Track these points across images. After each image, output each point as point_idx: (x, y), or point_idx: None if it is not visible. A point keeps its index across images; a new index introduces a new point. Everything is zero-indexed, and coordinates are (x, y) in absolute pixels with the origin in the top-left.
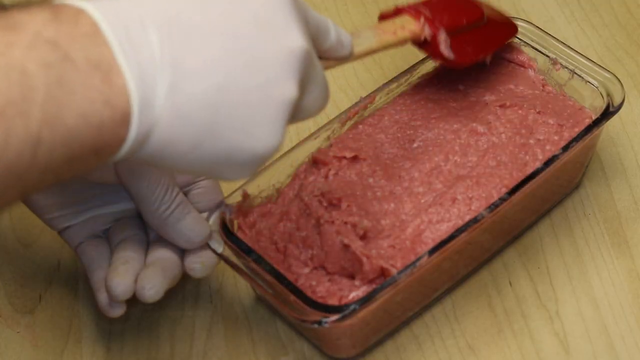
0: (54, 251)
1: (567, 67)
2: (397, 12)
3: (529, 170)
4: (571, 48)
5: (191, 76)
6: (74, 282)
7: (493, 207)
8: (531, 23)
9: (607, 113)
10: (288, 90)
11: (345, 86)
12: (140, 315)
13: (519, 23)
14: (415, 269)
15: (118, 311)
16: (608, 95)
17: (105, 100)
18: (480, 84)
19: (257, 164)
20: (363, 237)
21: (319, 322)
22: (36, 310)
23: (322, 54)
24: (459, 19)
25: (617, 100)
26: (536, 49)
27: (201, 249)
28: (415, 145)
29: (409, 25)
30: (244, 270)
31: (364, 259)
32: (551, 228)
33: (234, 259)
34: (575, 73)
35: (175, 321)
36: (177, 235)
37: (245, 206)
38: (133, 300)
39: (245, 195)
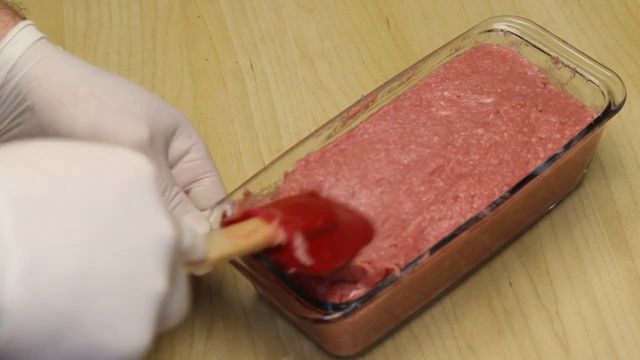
0: None
1: (568, 66)
2: (247, 215)
3: (531, 168)
4: (572, 47)
5: (51, 257)
6: None
7: (495, 205)
8: (532, 21)
9: (609, 112)
10: (157, 283)
11: (345, 86)
12: None
13: (520, 21)
14: (417, 267)
15: None
16: (609, 93)
17: None
18: (480, 85)
19: None
20: None
21: (321, 320)
22: None
23: (179, 256)
24: (314, 220)
25: (618, 99)
26: (537, 48)
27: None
28: (412, 147)
29: (261, 229)
30: (246, 268)
31: (367, 266)
32: (551, 228)
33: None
34: (577, 72)
35: None
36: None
37: (247, 204)
38: None
39: (247, 194)
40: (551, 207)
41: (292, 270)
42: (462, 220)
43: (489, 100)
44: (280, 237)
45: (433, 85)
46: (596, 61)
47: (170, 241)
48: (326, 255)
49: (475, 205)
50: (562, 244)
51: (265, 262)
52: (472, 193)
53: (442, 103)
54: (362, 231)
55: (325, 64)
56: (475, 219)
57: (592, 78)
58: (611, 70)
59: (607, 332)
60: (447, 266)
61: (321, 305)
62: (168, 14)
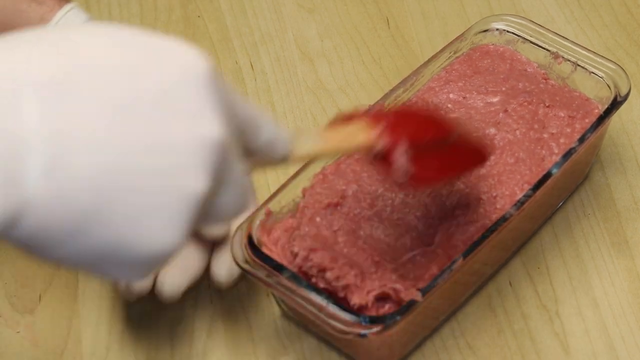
0: None
1: (569, 60)
2: (354, 116)
3: (547, 164)
4: (571, 41)
5: (76, 151)
6: (74, 282)
7: (520, 204)
8: (528, 19)
9: (617, 102)
10: (196, 181)
11: (345, 86)
12: (140, 315)
13: (515, 20)
14: (451, 273)
15: (134, 297)
16: (614, 84)
17: None
18: (484, 85)
19: (150, 266)
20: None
21: (363, 334)
22: (36, 310)
23: (255, 151)
24: (423, 132)
25: (623, 90)
26: (535, 44)
27: (228, 255)
28: None
29: (361, 133)
30: (278, 287)
31: (402, 294)
32: (551, 228)
33: (262, 275)
34: (578, 65)
35: (175, 321)
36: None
37: (269, 224)
38: (133, 302)
39: (269, 213)
40: (560, 203)
41: (390, 180)
42: (488, 223)
43: (495, 100)
44: (382, 143)
45: (437, 89)
46: (597, 54)
47: (213, 142)
48: (429, 168)
49: (498, 206)
50: (562, 243)
51: (298, 281)
52: (494, 194)
53: (449, 105)
54: (476, 154)
55: (326, 64)
56: (502, 219)
57: (594, 70)
58: (613, 62)
59: (607, 332)
60: (475, 269)
61: (365, 319)
62: (168, 13)
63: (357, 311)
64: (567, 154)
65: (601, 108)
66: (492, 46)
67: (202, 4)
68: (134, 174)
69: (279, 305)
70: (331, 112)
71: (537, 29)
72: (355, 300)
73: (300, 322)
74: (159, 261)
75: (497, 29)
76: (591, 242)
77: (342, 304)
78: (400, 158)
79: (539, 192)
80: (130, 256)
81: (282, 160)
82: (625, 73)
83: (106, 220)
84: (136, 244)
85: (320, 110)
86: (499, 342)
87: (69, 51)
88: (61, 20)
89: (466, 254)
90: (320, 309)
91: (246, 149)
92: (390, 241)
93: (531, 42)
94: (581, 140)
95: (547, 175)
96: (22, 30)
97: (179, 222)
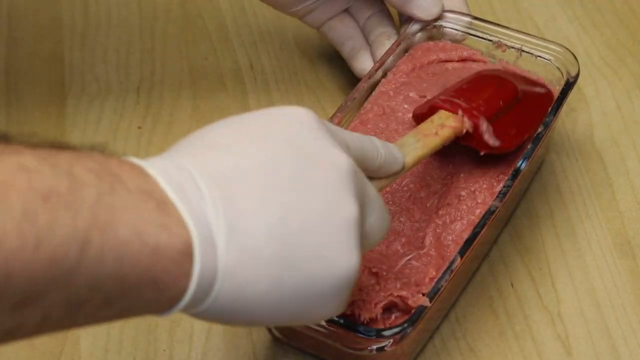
0: None
1: (513, 47)
2: (432, 108)
3: (518, 150)
4: (512, 28)
5: (247, 214)
6: None
7: (502, 195)
8: (462, 13)
9: (571, 82)
10: (347, 207)
11: (345, 86)
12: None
13: (453, 15)
14: (452, 273)
15: None
16: (564, 65)
17: (161, 224)
18: (438, 83)
19: (344, 289)
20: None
21: (380, 348)
22: None
23: (374, 173)
24: (495, 101)
25: (573, 70)
26: (476, 36)
27: None
28: None
29: (448, 122)
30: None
31: (409, 301)
32: (553, 229)
33: None
34: (523, 50)
35: (174, 323)
36: (414, 8)
37: None
38: None
39: None
40: (528, 184)
41: (483, 152)
42: (473, 218)
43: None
44: (467, 125)
45: (391, 93)
46: (541, 37)
47: (346, 167)
48: (512, 132)
49: (479, 200)
50: (564, 244)
51: None
52: (472, 189)
53: (405, 106)
54: (542, 97)
55: (326, 63)
56: (489, 213)
57: (540, 54)
58: (558, 43)
59: (609, 334)
60: (467, 266)
61: (379, 332)
62: (167, 12)
63: (368, 325)
64: (536, 139)
65: (552, 89)
66: (432, 43)
67: (201, 2)
68: (301, 219)
69: (270, 331)
70: (331, 111)
71: (475, 21)
72: (365, 315)
73: (297, 345)
74: (348, 283)
75: (435, 26)
76: (593, 243)
77: (350, 320)
78: (486, 134)
79: (517, 181)
80: (325, 287)
81: (399, 173)
82: (572, 53)
83: (294, 263)
84: (325, 275)
85: (320, 110)
86: (500, 344)
87: (219, 147)
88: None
89: (462, 252)
90: (330, 330)
91: (367, 173)
92: (381, 250)
93: (470, 34)
94: (546, 125)
95: (522, 164)
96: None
97: (350, 246)
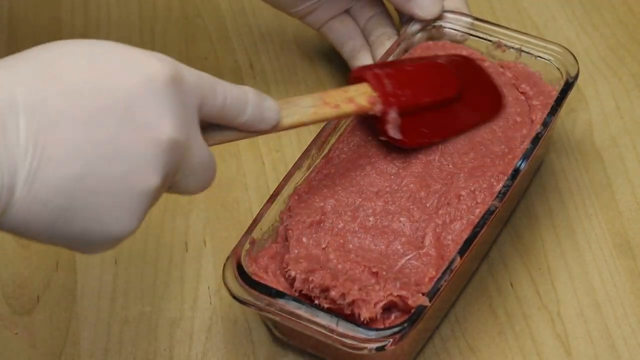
0: (52, 252)
1: (512, 47)
2: (362, 76)
3: (517, 150)
4: (512, 29)
5: (51, 164)
6: (72, 283)
7: (502, 195)
8: (462, 13)
9: (570, 82)
10: (149, 180)
11: (345, 85)
12: (138, 317)
13: (453, 16)
14: (452, 273)
15: None
16: (563, 65)
17: None
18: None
19: (113, 244)
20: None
21: (380, 347)
22: (34, 311)
23: (238, 126)
24: (421, 97)
25: (572, 70)
26: (476, 36)
27: None
28: (394, 154)
29: (359, 99)
30: (281, 314)
31: (409, 301)
32: (552, 229)
33: (263, 305)
34: (523, 50)
35: (174, 323)
36: (415, 7)
37: (254, 253)
38: (132, 302)
39: (253, 242)
40: (529, 183)
41: (382, 139)
42: (473, 218)
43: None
44: (377, 109)
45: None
46: (540, 38)
47: (168, 143)
48: (421, 131)
49: (479, 200)
50: (563, 244)
51: (305, 306)
52: (472, 188)
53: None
54: (485, 108)
55: (326, 62)
56: (489, 213)
57: (540, 54)
58: (557, 44)
59: (609, 333)
60: (467, 266)
61: (379, 331)
62: (167, 12)
63: (368, 325)
64: (535, 139)
65: (551, 88)
66: (431, 42)
67: (201, 2)
68: (96, 179)
69: (270, 331)
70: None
71: (475, 21)
72: (365, 314)
73: (297, 345)
74: (117, 242)
75: (434, 26)
76: (593, 243)
77: (350, 320)
78: (391, 124)
79: (517, 181)
80: (94, 240)
81: (272, 129)
82: (572, 53)
83: (73, 217)
84: (98, 233)
85: None
86: (499, 343)
87: (53, 76)
88: None
89: (462, 252)
90: (330, 329)
91: (233, 125)
92: (381, 250)
93: (470, 34)
94: (545, 124)
95: (522, 164)
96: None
97: (133, 214)
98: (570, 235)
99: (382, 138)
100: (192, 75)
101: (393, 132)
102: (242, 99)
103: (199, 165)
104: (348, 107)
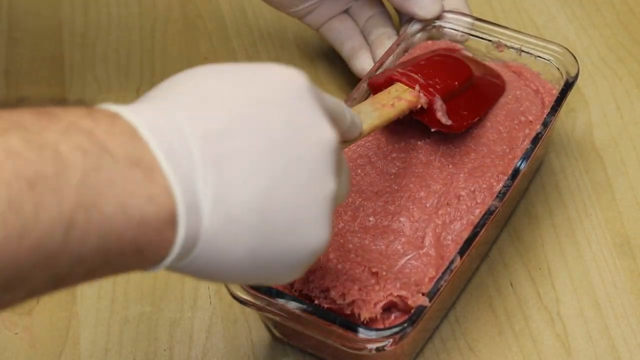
0: None
1: (512, 47)
2: (390, 80)
3: (517, 150)
4: (512, 29)
5: (235, 184)
6: None
7: (502, 195)
8: (462, 13)
9: (570, 82)
10: (328, 184)
11: (345, 85)
12: (138, 317)
13: (453, 16)
14: (452, 274)
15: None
16: (563, 65)
17: (148, 195)
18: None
19: (310, 262)
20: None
21: (380, 348)
22: (34, 311)
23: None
24: (451, 82)
25: (572, 70)
26: (476, 36)
27: None
28: (394, 154)
29: (405, 95)
30: (282, 315)
31: (409, 301)
32: (552, 229)
33: (263, 304)
34: (523, 50)
35: (174, 323)
36: (415, 7)
37: None
38: (132, 302)
39: None
40: (528, 184)
41: (434, 129)
42: (472, 218)
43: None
44: (422, 101)
45: None
46: (540, 37)
47: (333, 142)
48: (463, 114)
49: (479, 200)
50: (563, 244)
51: (306, 306)
52: (472, 189)
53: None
54: (494, 85)
55: (325, 62)
56: (489, 213)
57: (540, 54)
58: (557, 44)
59: (608, 333)
60: (466, 267)
61: (379, 331)
62: (167, 13)
63: (368, 325)
64: (535, 139)
65: (552, 88)
66: (430, 42)
67: (201, 3)
68: (283, 191)
69: (270, 331)
70: None
71: (475, 22)
72: (365, 314)
73: (297, 345)
74: (316, 256)
75: (434, 26)
76: (593, 243)
77: (350, 320)
78: (440, 111)
79: (517, 181)
80: (296, 260)
81: (357, 139)
82: (572, 53)
83: (273, 236)
84: (298, 250)
85: None
86: (499, 343)
87: (212, 103)
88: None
89: (462, 252)
90: (330, 330)
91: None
92: (381, 250)
93: (470, 34)
94: (545, 124)
95: (522, 164)
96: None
97: (326, 221)
98: (570, 235)
99: (434, 129)
100: (324, 92)
101: (444, 118)
102: (340, 106)
103: (346, 164)
104: (401, 105)
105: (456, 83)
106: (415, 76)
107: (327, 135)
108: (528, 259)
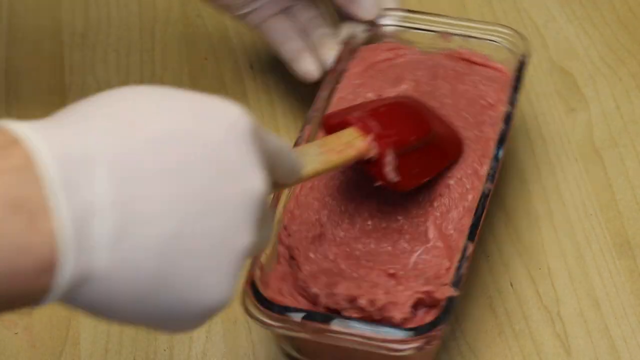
0: None
1: (459, 34)
2: (345, 122)
3: (490, 134)
4: (454, 17)
5: (141, 222)
6: None
7: (491, 177)
8: (396, 8)
9: (524, 60)
10: (244, 237)
11: None
12: None
13: (395, 13)
14: (468, 260)
15: (317, 74)
16: (513, 45)
17: (27, 246)
18: (392, 80)
19: (205, 320)
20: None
21: (420, 347)
22: (34, 311)
23: (276, 180)
24: (408, 136)
25: (522, 48)
26: (420, 29)
27: None
28: None
29: (356, 143)
30: (314, 333)
31: (436, 294)
32: (552, 229)
33: (293, 327)
34: (470, 36)
35: None
36: (357, 8)
37: (264, 278)
38: None
39: (261, 267)
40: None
41: (378, 184)
42: (467, 203)
43: (407, 87)
44: (373, 152)
45: (350, 97)
46: (485, 22)
47: (260, 193)
48: (413, 172)
49: (468, 186)
50: (563, 244)
51: (345, 320)
52: (459, 176)
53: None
54: (452, 147)
55: None
56: (485, 196)
57: (487, 37)
58: (502, 25)
59: (608, 333)
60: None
61: (418, 330)
62: (167, 13)
63: (402, 326)
64: (507, 119)
65: (505, 70)
66: (377, 44)
67: (201, 3)
68: (191, 238)
69: (288, 354)
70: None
71: (410, 14)
72: (398, 316)
73: None
74: (214, 313)
75: (375, 25)
76: (593, 243)
77: (386, 324)
78: (389, 166)
79: (500, 161)
80: (190, 313)
81: (296, 182)
82: (517, 32)
83: (168, 285)
84: (195, 303)
85: None
86: (499, 343)
87: (132, 128)
88: None
89: (472, 238)
90: (369, 337)
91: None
92: (388, 250)
93: (413, 28)
94: (512, 102)
95: (500, 144)
96: (77, 105)
97: (231, 276)
98: (570, 235)
99: (378, 184)
100: (270, 133)
101: (392, 175)
102: (284, 149)
103: (271, 216)
104: (349, 153)
105: (413, 138)
106: (372, 123)
107: (255, 185)
108: (528, 259)
